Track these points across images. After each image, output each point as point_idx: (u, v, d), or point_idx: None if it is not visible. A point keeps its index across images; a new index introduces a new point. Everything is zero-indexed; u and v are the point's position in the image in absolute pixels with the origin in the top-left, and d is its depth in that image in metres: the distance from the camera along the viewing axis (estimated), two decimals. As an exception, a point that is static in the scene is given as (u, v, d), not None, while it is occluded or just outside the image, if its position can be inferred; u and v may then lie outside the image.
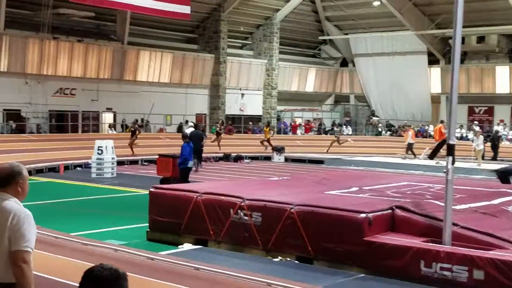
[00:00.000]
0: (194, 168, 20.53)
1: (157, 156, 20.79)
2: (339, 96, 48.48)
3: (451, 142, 9.11)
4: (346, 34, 44.64)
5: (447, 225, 8.92)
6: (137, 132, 28.40)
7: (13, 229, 3.86)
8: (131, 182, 20.37)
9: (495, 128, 36.74)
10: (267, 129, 32.66)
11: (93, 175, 21.88)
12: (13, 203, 4.00)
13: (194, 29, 39.32)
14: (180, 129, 33.17)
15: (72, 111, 32.20)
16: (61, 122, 32.34)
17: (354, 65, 45.90)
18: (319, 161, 30.02)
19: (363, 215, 9.45)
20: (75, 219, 13.81)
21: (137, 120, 30.86)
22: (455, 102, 9.15)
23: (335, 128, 36.89)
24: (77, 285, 7.02)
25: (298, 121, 42.96)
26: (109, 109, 34.43)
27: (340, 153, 32.71)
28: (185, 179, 16.79)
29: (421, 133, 39.03)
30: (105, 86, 33.54)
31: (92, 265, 2.75)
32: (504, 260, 8.12)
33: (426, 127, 39.64)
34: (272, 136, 32.63)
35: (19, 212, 3.93)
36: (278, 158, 30.85)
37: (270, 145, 31.78)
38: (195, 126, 27.89)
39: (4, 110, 29.59)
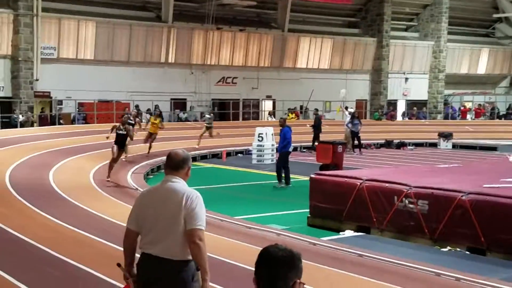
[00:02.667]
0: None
1: (316, 143, 20.63)
2: (515, 78, 45.21)
3: None
4: (525, 10, 41.38)
5: None
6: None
7: (188, 209, 4.05)
8: (290, 168, 20.43)
9: None
10: (157, 121, 21.96)
11: (254, 162, 22.26)
12: (184, 185, 4.21)
13: (356, 12, 38.65)
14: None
15: (234, 99, 33.12)
16: (223, 110, 33.41)
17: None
18: (492, 148, 28.13)
19: (544, 204, 8.56)
20: (238, 203, 14.10)
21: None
22: None
23: (207, 115, 26.01)
24: (242, 265, 7.12)
25: (468, 105, 40.65)
26: (268, 97, 34.99)
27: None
28: (285, 163, 16.53)
29: None
30: (265, 74, 34.13)
31: (257, 247, 2.62)
32: None
33: None
34: (160, 127, 21.75)
35: (191, 193, 4.13)
36: (445, 145, 29.33)
37: (146, 142, 21.31)
38: (316, 110, 28.36)
39: (172, 99, 31.17)
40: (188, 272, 4.04)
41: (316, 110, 28.61)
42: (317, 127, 25.96)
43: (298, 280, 2.59)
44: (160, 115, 26.01)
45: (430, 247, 9.73)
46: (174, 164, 4.26)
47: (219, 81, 32.98)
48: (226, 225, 10.29)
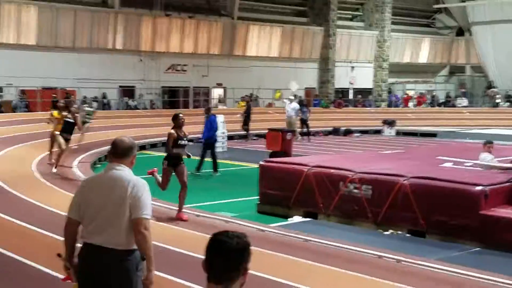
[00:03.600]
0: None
1: (266, 131, 20.90)
2: (454, 67, 46.59)
3: None
4: (463, 1, 42.55)
5: None
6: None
7: (134, 197, 3.97)
8: (241, 156, 20.65)
9: None
10: (59, 115, 16.11)
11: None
12: (129, 173, 4.12)
13: (304, 1, 38.98)
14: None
15: (184, 87, 33.03)
16: (173, 98, 33.28)
17: (471, 34, 43.79)
18: (432, 134, 29.08)
19: (479, 187, 9.06)
20: (188, 191, 14.12)
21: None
22: None
23: (86, 107, 20.45)
24: (190, 253, 7.15)
25: (410, 93, 41.70)
26: (219, 85, 35.03)
27: (455, 125, 31.50)
28: (214, 151, 16.75)
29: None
30: (215, 61, 34.12)
31: (206, 235, 2.69)
32: None
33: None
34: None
35: (137, 182, 4.05)
36: (388, 132, 30.17)
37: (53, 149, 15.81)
38: (248, 97, 28.74)
39: (120, 86, 30.86)
40: (133, 262, 3.97)
41: (248, 96, 28.93)
42: (248, 115, 26.20)
43: (248, 267, 2.58)
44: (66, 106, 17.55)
45: (373, 231, 10.06)
46: (119, 151, 4.15)
47: (168, 69, 32.79)
48: (175, 213, 10.34)
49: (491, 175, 10.33)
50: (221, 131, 22.87)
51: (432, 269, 7.22)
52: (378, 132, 30.58)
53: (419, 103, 40.12)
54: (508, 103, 39.68)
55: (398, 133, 30.18)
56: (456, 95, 42.34)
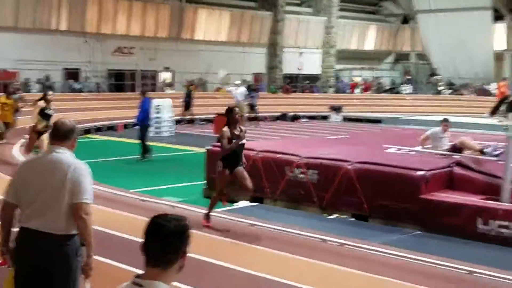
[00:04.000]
0: None
1: (214, 115, 20.90)
2: (399, 54, 47.40)
3: (513, 98, 8.83)
4: (409, -11, 43.32)
5: (506, 183, 8.73)
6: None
7: (75, 182, 3.90)
8: (188, 140, 20.57)
9: None
10: (9, 100, 16.16)
11: (151, 134, 22.07)
12: (70, 157, 4.05)
13: (253, -15, 38.87)
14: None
15: (131, 70, 32.56)
16: (120, 81, 32.79)
17: (416, 22, 44.62)
18: (377, 121, 29.60)
19: (420, 172, 9.30)
20: (133, 176, 14.05)
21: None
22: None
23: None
24: (133, 238, 7.09)
25: (357, 80, 42.24)
26: (166, 68, 34.68)
27: (399, 112, 32.12)
28: (146, 136, 16.54)
29: (482, 92, 37.96)
30: (162, 45, 33.70)
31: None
32: None
33: (488, 86, 38.41)
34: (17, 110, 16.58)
35: (78, 165, 3.99)
36: (335, 118, 30.56)
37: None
38: (188, 82, 28.45)
39: (64, 69, 30.17)
40: (72, 247, 3.90)
41: (188, 81, 28.87)
42: (190, 99, 26.14)
43: (186, 251, 2.58)
44: (14, 92, 17.34)
45: (318, 215, 10.20)
46: (60, 134, 4.09)
47: (115, 51, 32.13)
48: (120, 198, 10.26)
49: (433, 160, 10.60)
50: (169, 115, 22.77)
51: (374, 252, 7.39)
52: (325, 118, 30.92)
53: (365, 90, 40.72)
54: (450, 91, 40.72)
55: (345, 119, 30.61)
56: (401, 82, 43.14)
